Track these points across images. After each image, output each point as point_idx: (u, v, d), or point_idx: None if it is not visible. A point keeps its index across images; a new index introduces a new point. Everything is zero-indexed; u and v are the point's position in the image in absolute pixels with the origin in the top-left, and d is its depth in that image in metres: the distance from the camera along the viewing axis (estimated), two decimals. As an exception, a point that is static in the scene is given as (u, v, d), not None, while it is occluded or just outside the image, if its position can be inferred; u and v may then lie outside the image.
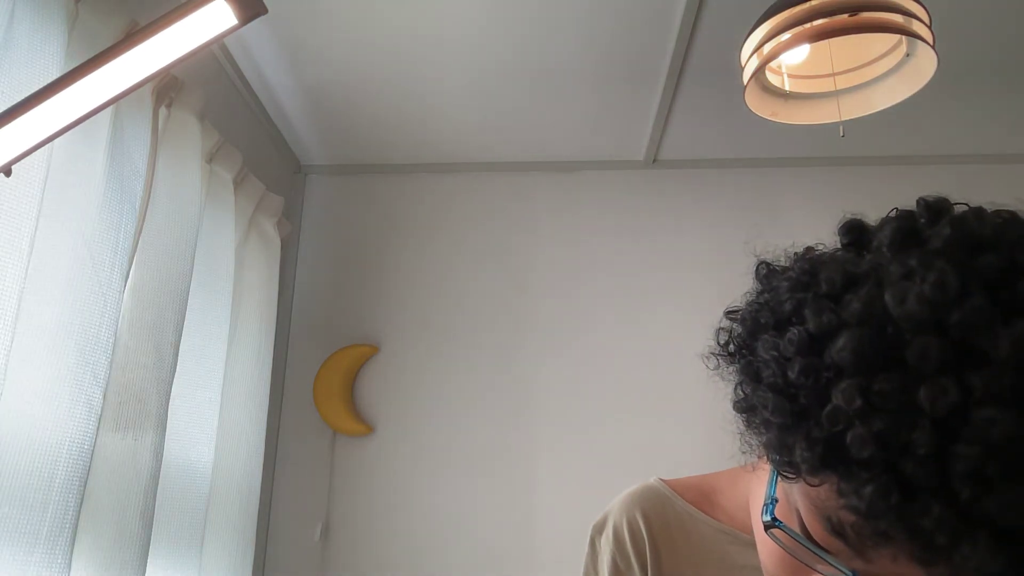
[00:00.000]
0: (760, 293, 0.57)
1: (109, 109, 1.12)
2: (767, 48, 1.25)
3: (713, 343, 0.59)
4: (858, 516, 0.47)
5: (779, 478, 0.55)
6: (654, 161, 2.29)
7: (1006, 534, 0.42)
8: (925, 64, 1.26)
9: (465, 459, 2.08)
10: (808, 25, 1.17)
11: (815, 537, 0.53)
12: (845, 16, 1.16)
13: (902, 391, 0.43)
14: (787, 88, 1.39)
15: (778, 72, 1.39)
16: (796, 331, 0.49)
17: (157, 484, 1.35)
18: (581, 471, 2.04)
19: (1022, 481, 0.41)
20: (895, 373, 0.44)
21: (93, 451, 1.19)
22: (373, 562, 2.02)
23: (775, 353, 0.51)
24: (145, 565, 1.30)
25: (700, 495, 0.86)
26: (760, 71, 1.29)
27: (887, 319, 0.45)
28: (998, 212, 0.49)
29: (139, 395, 1.33)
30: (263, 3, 0.81)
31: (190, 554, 1.52)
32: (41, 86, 0.86)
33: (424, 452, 2.10)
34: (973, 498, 0.42)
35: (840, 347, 0.46)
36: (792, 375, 0.48)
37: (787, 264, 0.57)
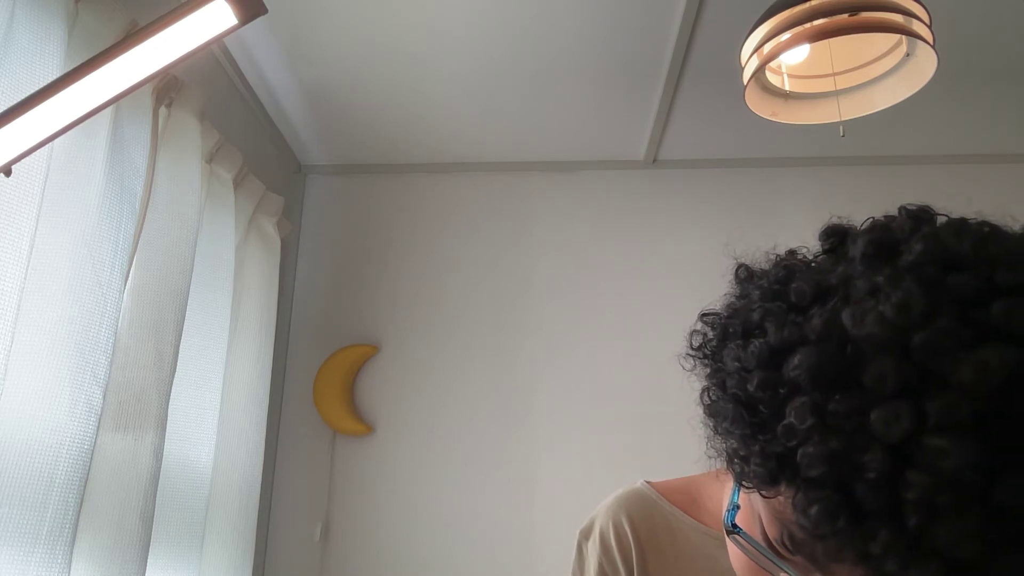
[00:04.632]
0: (735, 298, 0.56)
1: (109, 109, 1.12)
2: (767, 48, 1.25)
3: (687, 344, 0.58)
4: (805, 534, 0.46)
5: (740, 486, 0.54)
6: (654, 161, 2.29)
7: (958, 566, 0.41)
8: (925, 64, 1.26)
9: (465, 459, 2.08)
10: (808, 25, 1.17)
11: (775, 546, 0.52)
12: (845, 16, 1.16)
13: (856, 412, 0.42)
14: (787, 88, 1.39)
15: (778, 72, 1.39)
16: (758, 343, 0.48)
17: (157, 484, 1.35)
18: (581, 471, 2.04)
19: (972, 514, 0.40)
20: (850, 394, 0.42)
21: (93, 451, 1.19)
22: (373, 562, 2.02)
23: (738, 364, 0.50)
24: (145, 565, 1.30)
25: (686, 498, 0.86)
26: (760, 71, 1.29)
27: (847, 338, 0.44)
28: (981, 224, 0.47)
29: (139, 395, 1.33)
30: (263, 3, 0.81)
31: (190, 554, 1.52)
32: (41, 86, 0.86)
33: (424, 452, 2.10)
34: (921, 527, 0.40)
35: (796, 364, 0.45)
36: (751, 388, 0.48)
37: (766, 268, 0.55)
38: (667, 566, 0.83)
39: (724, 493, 0.82)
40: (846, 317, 0.44)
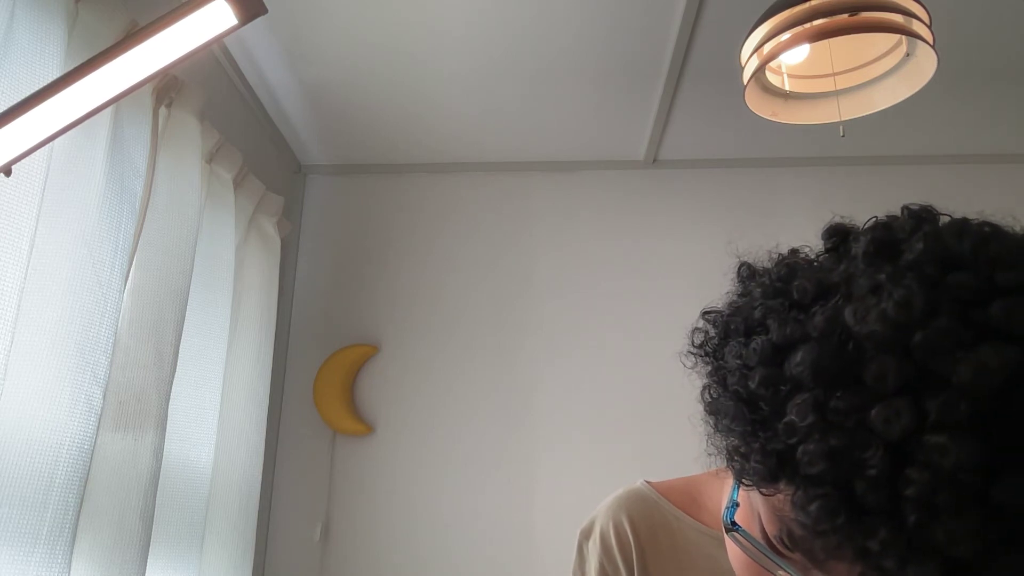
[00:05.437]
0: (737, 296, 0.56)
1: (109, 109, 1.12)
2: (767, 48, 1.25)
3: (688, 342, 0.58)
4: (805, 531, 0.46)
5: (740, 483, 0.54)
6: (654, 161, 2.29)
7: (956, 565, 0.41)
8: (925, 64, 1.26)
9: (465, 459, 2.08)
10: (808, 25, 1.17)
11: (774, 543, 0.52)
12: (845, 16, 1.16)
13: (857, 410, 0.42)
14: (787, 88, 1.39)
15: (778, 72, 1.39)
16: (760, 341, 0.49)
17: (157, 484, 1.35)
18: (581, 471, 2.04)
19: (971, 512, 0.40)
20: (852, 391, 0.43)
21: (93, 451, 1.19)
22: (373, 562, 2.02)
23: (739, 361, 0.50)
24: (145, 565, 1.30)
25: (686, 497, 0.86)
26: (760, 71, 1.29)
27: (849, 335, 0.44)
28: (982, 224, 0.47)
29: (139, 395, 1.33)
30: (263, 3, 0.81)
31: (190, 554, 1.52)
32: (41, 86, 0.86)
33: (424, 452, 2.10)
34: (920, 525, 0.40)
35: (799, 361, 0.45)
36: (753, 385, 0.48)
37: (768, 266, 0.56)
38: (667, 566, 0.83)
39: (724, 492, 0.82)
40: (848, 314, 0.44)
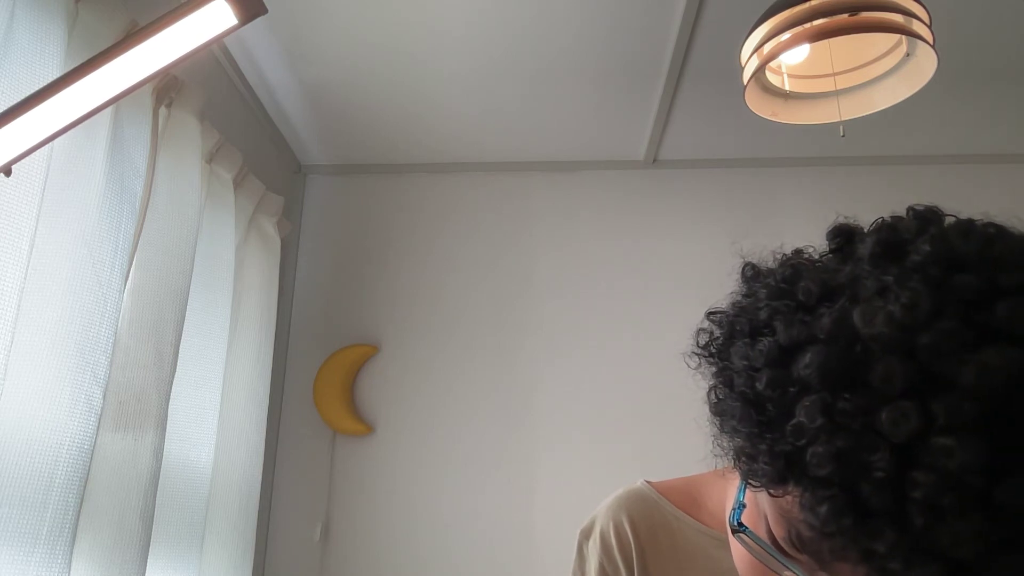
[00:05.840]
0: (742, 296, 0.56)
1: (109, 109, 1.12)
2: (767, 48, 1.25)
3: (693, 343, 0.58)
4: (813, 532, 0.46)
5: (747, 485, 0.55)
6: (654, 161, 2.29)
7: (960, 566, 0.41)
8: (925, 64, 1.26)
9: (465, 459, 2.08)
10: (808, 25, 1.17)
11: (780, 545, 0.52)
12: (845, 16, 1.16)
13: (864, 412, 0.42)
14: (787, 88, 1.39)
15: (778, 72, 1.39)
16: (767, 342, 0.49)
17: (157, 484, 1.35)
18: (581, 471, 2.04)
19: (976, 515, 0.40)
20: (859, 393, 0.43)
21: (93, 451, 1.19)
22: (373, 562, 2.02)
23: (745, 363, 0.50)
24: (145, 565, 1.30)
25: (686, 497, 0.86)
26: (760, 71, 1.29)
27: (856, 337, 0.44)
28: (987, 226, 0.47)
29: (139, 395, 1.33)
30: (263, 3, 0.81)
31: (190, 554, 1.52)
32: (41, 86, 0.86)
33: (424, 452, 2.10)
34: (926, 527, 0.41)
35: (807, 363, 0.45)
36: (760, 386, 0.48)
37: (773, 267, 0.55)
38: (667, 566, 0.83)
39: (725, 493, 0.82)
40: (856, 316, 0.44)
